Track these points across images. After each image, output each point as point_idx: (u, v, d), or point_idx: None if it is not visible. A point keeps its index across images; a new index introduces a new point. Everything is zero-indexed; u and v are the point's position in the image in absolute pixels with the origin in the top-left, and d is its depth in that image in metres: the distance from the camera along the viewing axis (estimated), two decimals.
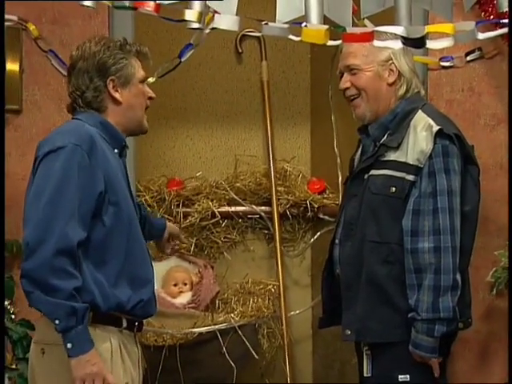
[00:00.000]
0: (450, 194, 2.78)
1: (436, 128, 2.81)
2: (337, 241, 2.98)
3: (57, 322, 2.40)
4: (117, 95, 2.63)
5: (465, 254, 2.84)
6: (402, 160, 2.83)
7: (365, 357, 2.88)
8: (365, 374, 2.89)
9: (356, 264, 2.87)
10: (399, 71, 2.91)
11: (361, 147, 3.06)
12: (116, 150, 2.64)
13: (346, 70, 2.96)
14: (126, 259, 2.56)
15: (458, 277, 2.76)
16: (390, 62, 2.90)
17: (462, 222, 2.81)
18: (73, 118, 2.67)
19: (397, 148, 2.85)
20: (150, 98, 2.73)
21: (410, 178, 2.82)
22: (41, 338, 2.58)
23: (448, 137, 2.81)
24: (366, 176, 2.91)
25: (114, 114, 2.64)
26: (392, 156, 2.86)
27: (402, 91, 2.92)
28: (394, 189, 2.83)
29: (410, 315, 2.78)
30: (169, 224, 3.08)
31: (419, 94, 2.96)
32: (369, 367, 2.87)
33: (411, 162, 2.82)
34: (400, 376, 2.81)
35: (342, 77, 2.97)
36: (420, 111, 2.88)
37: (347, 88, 2.95)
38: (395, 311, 2.82)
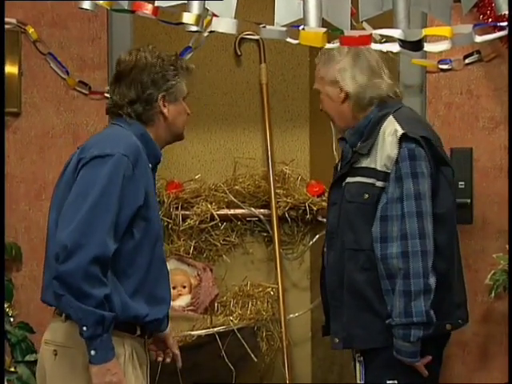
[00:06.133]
0: (417, 197, 2.76)
1: (400, 132, 2.80)
2: (325, 249, 3.02)
3: (84, 328, 2.40)
4: (165, 110, 2.64)
5: (443, 256, 2.82)
6: (372, 166, 2.83)
7: (357, 364, 2.90)
8: (357, 381, 2.90)
9: (338, 272, 2.89)
10: (345, 91, 2.90)
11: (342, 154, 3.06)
12: (150, 165, 2.63)
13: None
14: (147, 276, 2.55)
15: (432, 280, 2.75)
16: (336, 81, 2.91)
17: (437, 224, 2.80)
18: (115, 124, 2.64)
19: (367, 154, 2.85)
20: (188, 115, 2.74)
21: (379, 184, 2.82)
22: (53, 339, 2.56)
23: (414, 140, 2.80)
24: (343, 184, 2.92)
25: (158, 128, 2.65)
26: (364, 163, 2.86)
27: (357, 106, 2.91)
28: (366, 195, 2.83)
29: (387, 321, 2.79)
30: None
31: (394, 98, 2.93)
32: (361, 374, 2.88)
33: (379, 168, 2.82)
34: (388, 382, 2.81)
35: None
36: (391, 116, 2.87)
37: (322, 109, 3.03)
38: (377, 317, 2.82)
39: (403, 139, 2.79)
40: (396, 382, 2.81)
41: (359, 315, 2.84)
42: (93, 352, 2.42)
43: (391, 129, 2.83)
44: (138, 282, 2.53)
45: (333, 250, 2.92)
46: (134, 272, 2.52)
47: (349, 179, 2.89)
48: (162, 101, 2.62)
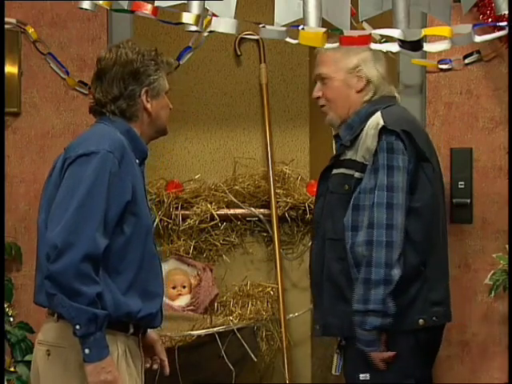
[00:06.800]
0: (389, 189, 2.79)
1: (381, 125, 2.84)
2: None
3: (77, 327, 2.40)
4: (148, 106, 2.63)
5: (417, 250, 2.83)
6: (353, 158, 2.89)
7: (335, 355, 2.94)
8: (332, 372, 2.94)
9: (320, 262, 2.94)
10: (368, 78, 2.94)
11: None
12: (137, 161, 2.63)
13: (317, 78, 3.01)
14: (139, 271, 2.55)
15: (395, 272, 2.76)
16: (359, 68, 2.94)
17: (413, 218, 2.82)
18: (99, 122, 2.64)
19: (351, 147, 2.91)
20: (170, 109, 2.73)
21: (357, 175, 2.86)
22: (46, 339, 2.56)
23: (394, 133, 2.83)
24: (329, 176, 2.98)
25: (142, 123, 2.64)
26: (348, 155, 2.93)
27: (367, 97, 2.95)
28: (347, 187, 2.89)
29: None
30: None
31: (388, 97, 2.97)
32: (338, 366, 2.93)
33: (358, 160, 2.87)
34: (361, 375, 2.83)
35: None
36: (378, 112, 2.90)
37: (318, 97, 3.01)
38: (350, 306, 2.83)
39: (383, 132, 2.83)
40: (368, 375, 2.82)
41: (335, 304, 2.88)
42: (87, 350, 2.41)
43: (375, 122, 2.87)
44: (130, 278, 2.52)
45: (316, 239, 2.99)
46: (125, 268, 2.52)
47: (334, 171, 2.95)
48: (144, 96, 2.62)
